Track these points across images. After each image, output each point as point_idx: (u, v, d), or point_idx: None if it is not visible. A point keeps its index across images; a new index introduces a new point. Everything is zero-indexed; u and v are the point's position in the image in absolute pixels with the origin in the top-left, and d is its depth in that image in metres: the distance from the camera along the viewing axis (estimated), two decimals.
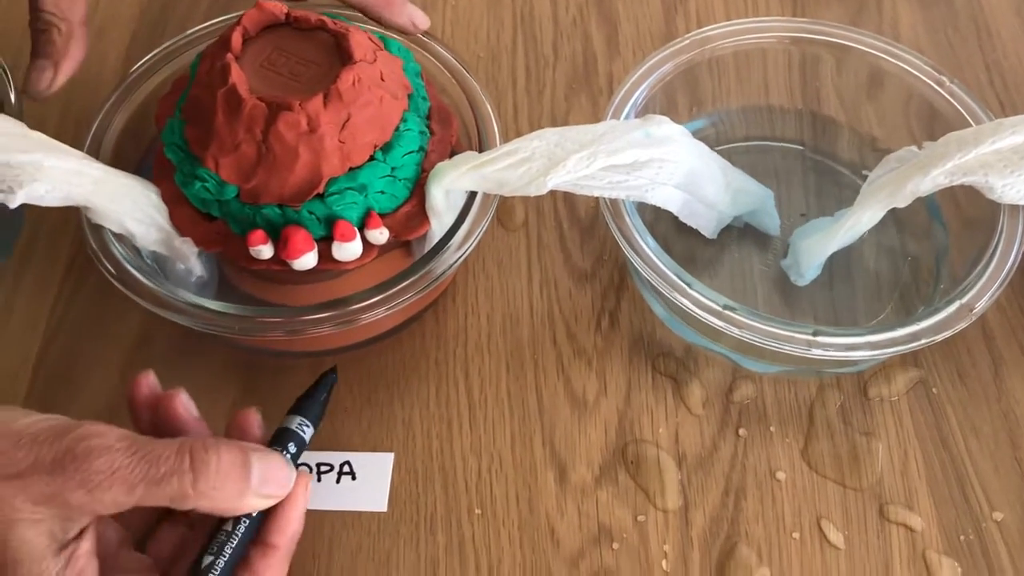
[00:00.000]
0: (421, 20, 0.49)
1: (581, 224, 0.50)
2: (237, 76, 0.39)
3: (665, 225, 0.48)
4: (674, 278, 0.41)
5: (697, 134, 0.51)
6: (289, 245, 0.40)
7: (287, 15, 0.42)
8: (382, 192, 0.41)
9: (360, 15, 0.48)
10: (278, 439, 0.37)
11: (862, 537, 0.42)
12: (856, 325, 0.46)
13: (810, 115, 0.53)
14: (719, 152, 0.51)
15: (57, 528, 0.32)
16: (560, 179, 0.41)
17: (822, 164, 0.51)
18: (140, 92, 0.47)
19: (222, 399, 0.45)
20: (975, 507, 0.42)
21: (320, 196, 0.40)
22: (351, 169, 0.40)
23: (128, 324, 0.47)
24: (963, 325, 0.40)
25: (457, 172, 0.41)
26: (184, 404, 0.37)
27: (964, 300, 0.40)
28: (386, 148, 0.41)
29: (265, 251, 0.40)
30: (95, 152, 0.44)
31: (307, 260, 0.40)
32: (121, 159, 0.45)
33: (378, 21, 0.48)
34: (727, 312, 0.40)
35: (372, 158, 0.41)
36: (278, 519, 0.35)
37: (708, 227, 0.47)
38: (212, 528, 0.35)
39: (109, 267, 0.41)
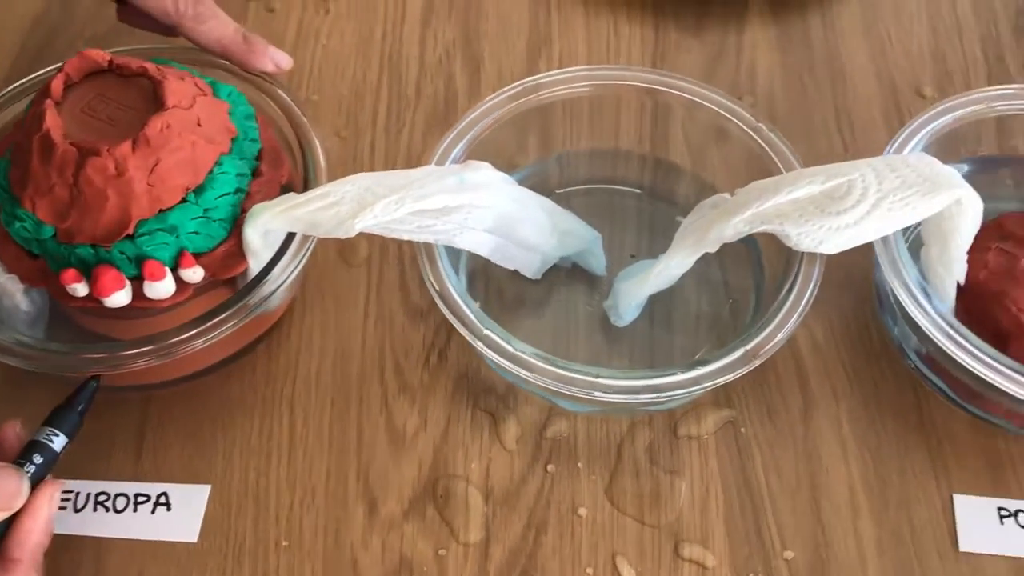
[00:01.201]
0: (284, 61, 0.51)
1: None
2: (51, 122, 0.41)
3: (502, 273, 0.49)
4: (471, 317, 0.43)
5: (541, 175, 0.54)
6: (99, 284, 0.41)
7: (110, 62, 0.44)
8: (196, 232, 0.43)
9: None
10: (24, 451, 0.39)
11: (654, 574, 0.43)
12: (672, 365, 0.47)
13: (655, 161, 0.54)
14: (560, 193, 0.53)
15: None
16: (367, 222, 0.42)
17: (658, 208, 0.53)
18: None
19: None
20: (768, 545, 0.44)
21: (130, 237, 0.42)
22: (161, 211, 0.42)
23: None
24: (745, 370, 0.41)
25: (271, 213, 0.43)
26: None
27: (748, 347, 0.42)
28: (198, 191, 0.43)
29: (80, 289, 0.42)
30: None
31: (118, 298, 0.42)
32: None
33: (241, 67, 0.50)
34: (518, 354, 0.42)
35: (184, 200, 0.42)
36: (17, 532, 0.37)
37: (529, 268, 0.48)
38: None
39: None
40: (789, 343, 0.49)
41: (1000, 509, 0.45)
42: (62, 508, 0.43)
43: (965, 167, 0.51)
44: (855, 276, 0.51)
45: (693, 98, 0.51)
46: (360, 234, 0.45)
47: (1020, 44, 0.61)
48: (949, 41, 0.61)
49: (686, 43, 0.61)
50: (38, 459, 0.39)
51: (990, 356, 0.42)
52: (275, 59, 0.50)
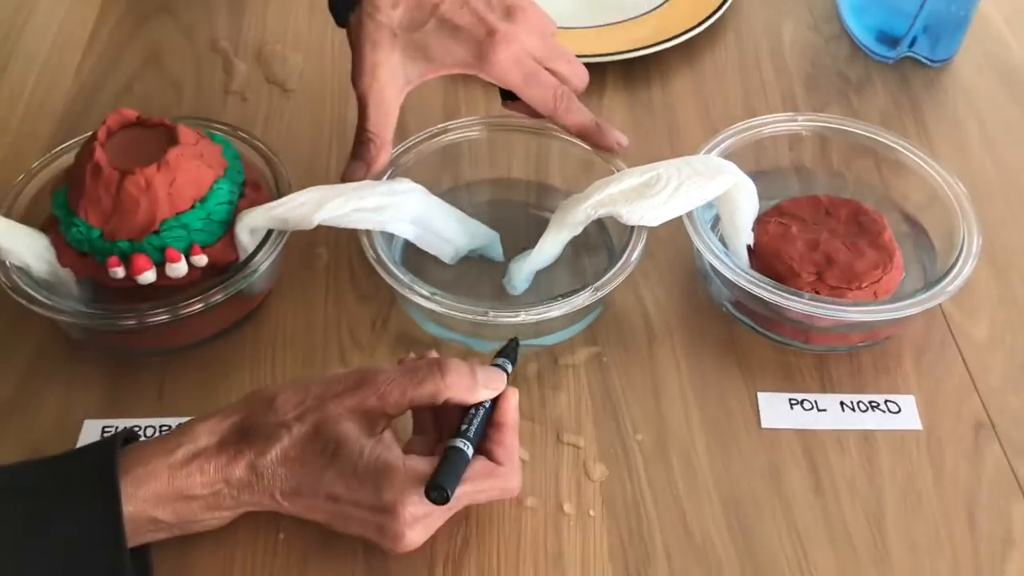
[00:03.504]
0: (623, 140, 0.68)
1: (368, 263, 0.69)
2: (100, 155, 0.59)
3: (428, 262, 0.67)
4: (395, 271, 0.60)
5: (452, 199, 0.71)
6: (134, 266, 0.58)
7: (138, 117, 0.62)
8: (201, 230, 0.60)
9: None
10: (494, 360, 0.57)
11: (543, 454, 0.59)
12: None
13: (538, 184, 0.73)
14: (469, 212, 0.71)
15: (366, 426, 0.52)
16: (323, 216, 0.60)
17: (541, 216, 0.71)
18: (49, 170, 0.66)
19: (93, 389, 0.62)
20: (624, 431, 0.60)
21: (156, 232, 0.59)
22: (177, 214, 0.59)
23: (26, 335, 0.64)
24: (591, 300, 0.59)
25: (254, 214, 0.61)
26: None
27: (596, 284, 0.60)
28: (203, 200, 0.60)
29: (119, 272, 0.59)
30: (11, 208, 0.63)
31: (148, 276, 0.59)
32: (32, 216, 0.63)
33: (595, 146, 0.68)
34: (435, 297, 0.59)
35: (193, 207, 0.60)
36: (502, 406, 0.54)
37: (446, 255, 0.66)
38: (461, 412, 0.53)
39: (6, 283, 0.59)
40: (638, 302, 0.67)
41: (790, 399, 0.62)
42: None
43: (766, 172, 0.71)
44: (685, 259, 0.69)
45: (567, 140, 0.70)
46: (320, 246, 0.63)
47: (809, 94, 0.82)
48: (757, 97, 0.82)
49: None
50: (507, 366, 0.57)
51: (770, 285, 0.61)
52: (617, 139, 0.68)
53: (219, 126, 0.68)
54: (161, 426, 0.60)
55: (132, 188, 0.58)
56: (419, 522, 0.51)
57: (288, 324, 0.66)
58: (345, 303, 0.67)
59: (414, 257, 0.67)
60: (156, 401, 0.62)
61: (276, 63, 0.84)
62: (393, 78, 0.65)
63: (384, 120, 0.65)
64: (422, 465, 0.51)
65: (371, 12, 0.64)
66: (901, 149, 0.70)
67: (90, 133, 0.62)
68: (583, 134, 0.68)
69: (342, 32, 0.68)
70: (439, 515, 0.52)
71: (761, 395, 0.62)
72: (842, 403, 0.62)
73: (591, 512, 0.57)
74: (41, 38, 0.86)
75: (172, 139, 0.61)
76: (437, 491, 0.49)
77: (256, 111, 0.80)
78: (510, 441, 0.54)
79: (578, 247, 0.67)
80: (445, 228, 0.65)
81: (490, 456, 0.53)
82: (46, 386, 0.62)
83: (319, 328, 0.65)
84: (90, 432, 0.60)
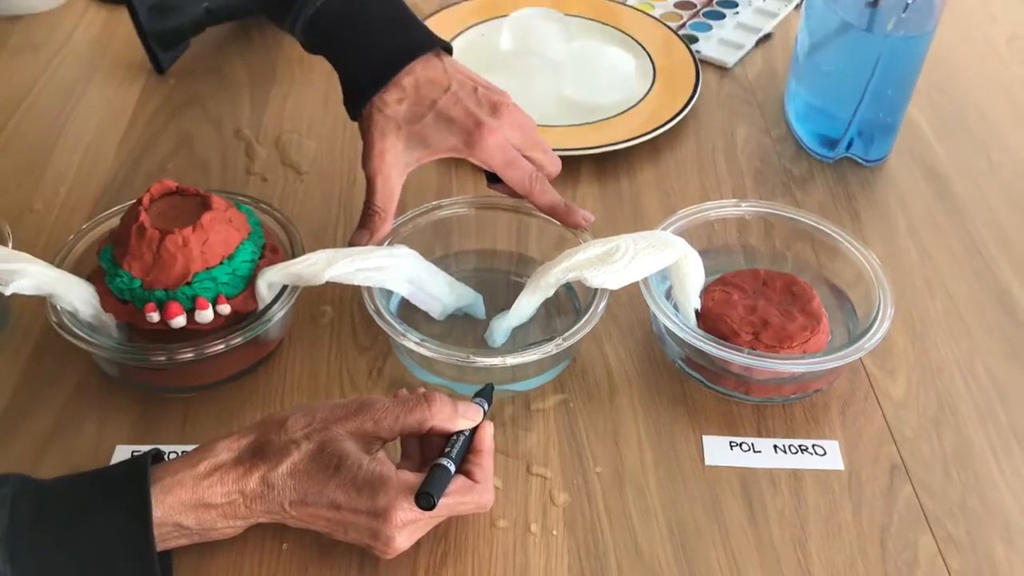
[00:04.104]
0: (590, 217, 0.79)
1: (367, 319, 0.79)
2: (144, 217, 0.69)
3: (419, 318, 0.77)
4: (396, 326, 0.70)
5: (442, 266, 0.82)
6: (168, 312, 0.68)
7: (176, 187, 0.73)
8: (227, 283, 0.70)
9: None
10: (472, 399, 0.66)
11: (514, 482, 0.68)
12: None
13: (518, 255, 0.84)
14: (456, 276, 0.82)
15: (364, 446, 0.61)
16: (332, 273, 0.70)
17: (521, 282, 0.81)
18: (96, 231, 0.76)
19: (125, 420, 0.71)
20: (585, 465, 0.69)
21: (188, 284, 0.69)
22: (207, 268, 0.69)
23: (69, 371, 0.74)
24: (556, 350, 0.69)
25: (273, 270, 0.71)
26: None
27: (562, 336, 0.70)
28: (230, 257, 0.70)
29: (155, 317, 0.69)
30: (63, 261, 0.73)
31: (179, 321, 0.69)
32: (80, 268, 0.73)
33: (563, 223, 0.79)
34: (424, 343, 0.69)
35: (221, 262, 0.70)
36: (479, 435, 0.64)
37: (434, 311, 0.76)
38: (444, 440, 0.63)
39: (56, 322, 0.69)
40: (602, 358, 0.77)
41: (731, 442, 0.71)
42: None
43: (716, 250, 0.82)
44: (643, 322, 0.80)
45: (543, 219, 0.81)
46: (327, 304, 0.73)
47: (758, 187, 0.94)
48: (712, 188, 0.94)
49: None
50: (484, 404, 0.66)
51: (714, 342, 0.71)
52: (584, 216, 0.79)
53: (244, 198, 0.79)
54: (183, 452, 0.69)
55: (171, 245, 0.69)
56: (407, 527, 0.60)
57: (296, 370, 0.75)
58: (346, 354, 0.77)
59: (408, 313, 0.77)
60: (179, 432, 0.71)
61: (292, 149, 0.96)
62: (396, 162, 0.76)
63: (388, 196, 0.76)
64: (412, 478, 0.60)
65: (380, 107, 0.76)
66: (835, 235, 0.81)
67: (135, 200, 0.73)
68: (553, 212, 0.79)
69: (352, 123, 0.79)
70: (424, 523, 0.61)
71: (706, 438, 0.72)
72: (775, 446, 0.71)
73: (554, 532, 0.66)
74: (87, 123, 0.98)
75: (206, 206, 0.71)
76: (425, 498, 0.58)
77: (274, 190, 0.91)
78: (486, 463, 0.63)
79: (550, 308, 0.77)
80: (435, 288, 0.75)
81: (469, 475, 0.62)
82: (84, 415, 0.71)
83: (323, 374, 0.75)
84: (121, 455, 0.69)
